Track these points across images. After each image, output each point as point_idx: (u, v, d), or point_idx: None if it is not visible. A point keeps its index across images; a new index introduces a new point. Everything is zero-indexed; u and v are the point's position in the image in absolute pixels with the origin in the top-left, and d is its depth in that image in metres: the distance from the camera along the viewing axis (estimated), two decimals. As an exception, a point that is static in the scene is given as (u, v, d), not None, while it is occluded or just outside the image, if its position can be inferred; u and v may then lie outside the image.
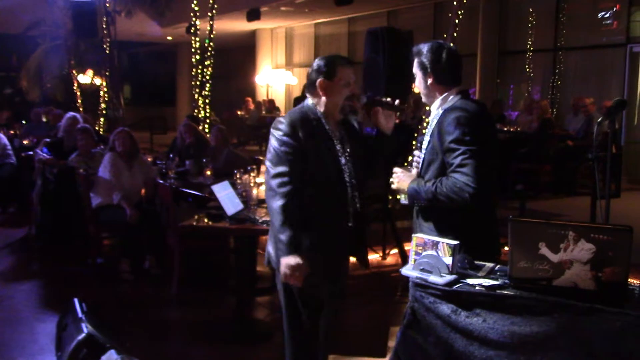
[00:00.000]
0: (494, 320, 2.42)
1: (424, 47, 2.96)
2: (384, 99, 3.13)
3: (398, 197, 3.06)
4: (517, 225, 2.49)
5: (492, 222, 3.00)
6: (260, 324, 4.73)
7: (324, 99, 3.03)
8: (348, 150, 3.08)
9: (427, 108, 3.13)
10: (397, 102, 3.12)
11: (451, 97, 2.92)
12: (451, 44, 4.29)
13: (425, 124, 7.08)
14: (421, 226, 2.98)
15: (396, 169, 3.03)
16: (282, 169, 2.91)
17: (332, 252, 3.06)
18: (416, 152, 3.07)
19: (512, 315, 2.39)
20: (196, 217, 4.78)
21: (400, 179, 2.99)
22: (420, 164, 2.99)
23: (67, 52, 15.55)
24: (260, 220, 4.32)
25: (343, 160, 3.04)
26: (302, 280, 2.87)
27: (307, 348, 3.11)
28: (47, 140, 8.04)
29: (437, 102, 2.96)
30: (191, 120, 8.47)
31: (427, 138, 2.98)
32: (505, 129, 9.57)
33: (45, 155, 7.13)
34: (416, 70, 2.99)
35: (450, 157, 2.76)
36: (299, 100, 3.82)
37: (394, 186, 3.05)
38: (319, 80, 3.01)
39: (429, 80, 2.93)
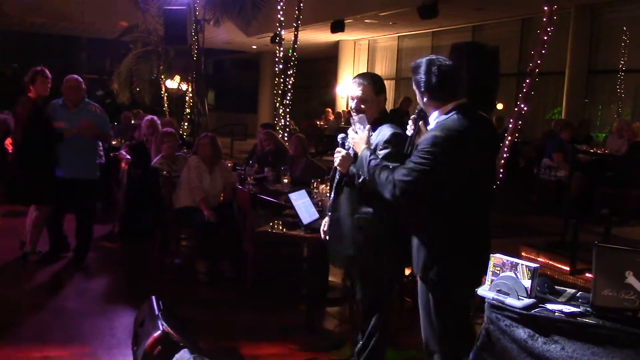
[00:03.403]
0: (574, 349, 2.33)
1: (421, 65, 3.03)
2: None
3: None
4: (603, 251, 2.40)
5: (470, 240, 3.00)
6: (329, 334, 4.73)
7: None
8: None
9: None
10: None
11: (446, 112, 2.99)
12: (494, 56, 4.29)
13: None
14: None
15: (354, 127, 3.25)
16: None
17: None
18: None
19: (593, 345, 2.29)
20: (272, 223, 4.84)
21: (356, 141, 3.21)
22: None
23: (157, 57, 16.15)
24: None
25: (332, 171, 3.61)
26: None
27: None
28: (128, 142, 8.37)
29: (434, 115, 3.05)
30: (266, 128, 8.62)
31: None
32: (592, 150, 9.20)
33: (127, 156, 7.44)
34: (414, 86, 3.09)
35: (409, 159, 2.91)
36: (395, 112, 3.94)
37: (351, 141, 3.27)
38: None
39: (424, 99, 3.04)
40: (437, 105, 3.01)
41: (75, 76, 6.18)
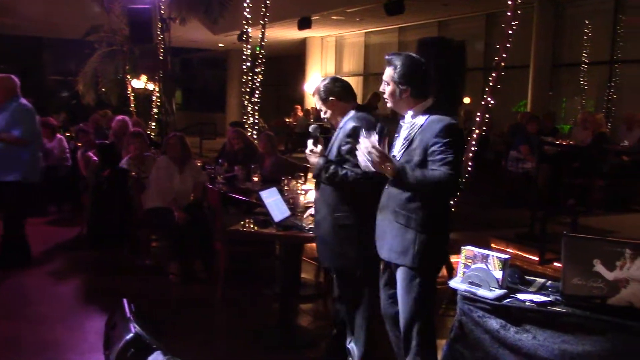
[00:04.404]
0: (545, 338, 2.37)
1: (398, 60, 3.10)
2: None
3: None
4: (572, 241, 2.44)
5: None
6: (303, 331, 4.73)
7: None
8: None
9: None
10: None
11: (426, 107, 3.10)
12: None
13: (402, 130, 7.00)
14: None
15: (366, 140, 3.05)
16: None
17: None
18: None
19: (563, 333, 2.33)
20: (243, 222, 4.82)
21: (381, 157, 3.02)
22: None
23: (123, 57, 15.94)
24: (306, 228, 4.31)
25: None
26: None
27: None
28: (98, 142, 8.23)
29: (411, 112, 3.13)
30: (235, 127, 8.59)
31: (401, 142, 3.16)
32: (558, 142, 9.35)
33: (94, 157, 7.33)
34: (389, 80, 3.14)
35: (438, 156, 2.95)
36: (365, 108, 3.95)
37: (368, 158, 3.05)
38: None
39: (405, 94, 3.10)
40: (416, 102, 3.10)
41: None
